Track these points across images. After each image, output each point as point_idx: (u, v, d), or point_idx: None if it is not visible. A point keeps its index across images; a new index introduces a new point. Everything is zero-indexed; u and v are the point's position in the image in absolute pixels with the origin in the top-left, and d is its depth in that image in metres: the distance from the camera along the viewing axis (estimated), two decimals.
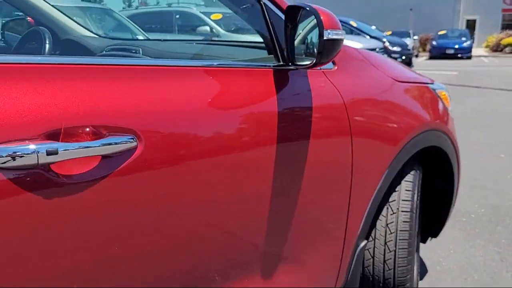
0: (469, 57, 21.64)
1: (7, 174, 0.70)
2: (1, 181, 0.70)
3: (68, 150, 0.75)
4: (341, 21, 2.99)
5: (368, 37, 10.79)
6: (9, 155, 0.70)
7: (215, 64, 1.15)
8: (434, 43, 22.65)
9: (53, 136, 0.75)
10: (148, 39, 3.22)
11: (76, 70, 0.85)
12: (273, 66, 1.22)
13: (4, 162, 0.70)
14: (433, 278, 2.23)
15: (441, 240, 2.58)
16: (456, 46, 21.76)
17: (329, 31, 1.05)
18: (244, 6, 1.25)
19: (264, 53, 1.32)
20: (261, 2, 1.20)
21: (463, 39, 22.55)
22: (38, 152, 0.72)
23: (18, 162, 0.71)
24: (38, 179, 0.73)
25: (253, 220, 1.15)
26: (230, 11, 1.45)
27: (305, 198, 1.26)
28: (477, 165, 3.99)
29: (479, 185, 3.50)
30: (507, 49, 24.87)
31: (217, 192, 1.02)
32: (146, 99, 0.90)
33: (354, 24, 11.39)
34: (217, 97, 1.05)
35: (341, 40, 1.09)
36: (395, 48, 12.16)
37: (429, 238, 2.18)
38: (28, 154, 0.71)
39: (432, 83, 1.94)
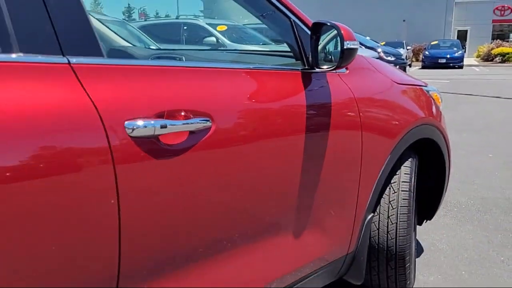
0: (461, 67, 22.16)
1: (135, 140, 1.01)
2: (130, 145, 1.01)
3: (172, 126, 1.07)
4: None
5: (363, 47, 11.19)
6: (135, 128, 1.01)
7: (257, 67, 1.47)
8: (426, 53, 23.19)
9: (161, 116, 1.07)
10: (185, 49, 3.54)
11: (170, 71, 1.17)
12: (301, 69, 1.54)
13: (132, 131, 1.01)
14: (428, 256, 2.55)
15: (435, 226, 2.91)
16: (448, 56, 22.29)
17: (348, 42, 1.38)
18: (278, 24, 1.57)
19: (283, 60, 1.65)
20: (291, 20, 1.53)
21: (455, 49, 23.11)
22: (154, 126, 1.04)
23: (142, 132, 1.02)
24: (152, 146, 1.05)
25: (292, 192, 1.47)
26: (233, 23, 1.78)
27: (326, 177, 1.58)
28: (468, 163, 4.33)
29: (469, 181, 3.83)
30: (497, 59, 25.47)
31: (264, 164, 1.34)
32: (216, 92, 1.23)
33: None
34: (261, 92, 1.38)
35: (357, 49, 1.42)
36: (390, 58, 12.58)
37: (425, 221, 2.50)
38: (148, 127, 1.03)
39: (425, 86, 2.28)
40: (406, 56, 17.47)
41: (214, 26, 7.38)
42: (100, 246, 0.98)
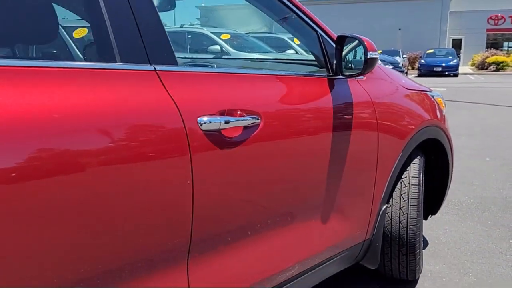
0: (456, 75, 22.55)
1: (204, 133, 1.24)
2: (201, 137, 1.23)
3: (232, 121, 1.30)
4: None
5: None
6: (205, 123, 1.24)
7: (291, 73, 1.71)
8: (422, 61, 23.58)
9: (222, 113, 1.30)
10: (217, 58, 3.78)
11: (227, 76, 1.40)
12: (327, 75, 1.78)
13: (202, 125, 1.24)
14: (433, 248, 2.77)
15: (439, 223, 3.14)
16: (444, 64, 22.68)
17: (370, 52, 1.62)
18: (306, 37, 1.81)
19: (306, 68, 1.88)
20: (318, 33, 1.77)
21: (450, 57, 23.52)
22: (220, 121, 1.26)
23: (209, 126, 1.25)
24: (216, 138, 1.27)
25: (321, 182, 1.70)
26: (235, 31, 2.02)
27: (349, 171, 1.81)
28: (467, 166, 4.58)
29: (468, 182, 4.07)
30: (491, 67, 25.90)
31: (301, 156, 1.57)
32: (263, 94, 1.46)
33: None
34: (297, 94, 1.62)
35: (377, 58, 1.66)
36: (387, 66, 12.86)
37: (430, 216, 2.72)
38: (215, 122, 1.25)
39: (430, 91, 2.52)
40: (402, 64, 17.81)
41: (217, 34, 7.70)
42: (179, 216, 1.20)
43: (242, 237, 1.42)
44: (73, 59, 1.22)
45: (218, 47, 7.28)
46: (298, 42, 8.04)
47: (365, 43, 1.63)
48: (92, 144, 1.02)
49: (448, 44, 32.67)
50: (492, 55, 27.24)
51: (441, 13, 31.95)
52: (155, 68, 1.19)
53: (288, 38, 8.78)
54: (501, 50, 31.91)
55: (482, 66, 26.92)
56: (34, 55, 1.64)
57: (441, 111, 2.49)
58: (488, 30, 33.57)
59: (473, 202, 3.59)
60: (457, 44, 33.32)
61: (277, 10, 1.70)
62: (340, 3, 32.27)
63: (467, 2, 32.96)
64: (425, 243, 2.82)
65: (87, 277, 1.04)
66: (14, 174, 0.88)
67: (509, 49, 33.89)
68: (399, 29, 31.31)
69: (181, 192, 1.19)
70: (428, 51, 24.83)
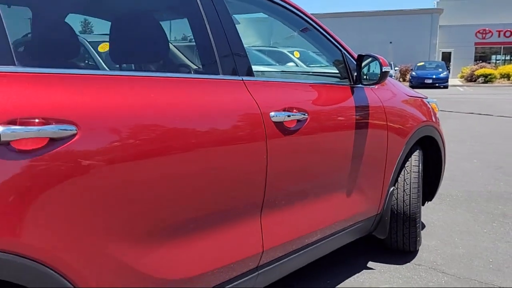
0: (446, 87, 23.33)
1: (274, 123, 1.77)
2: (272, 126, 1.76)
3: (291, 116, 1.83)
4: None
5: None
6: (275, 116, 1.77)
7: (325, 82, 2.27)
8: (413, 73, 24.37)
9: (284, 110, 1.83)
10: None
11: (287, 84, 1.96)
12: (349, 84, 2.33)
13: (272, 118, 1.77)
14: (429, 229, 3.31)
15: (433, 211, 3.68)
16: (434, 77, 23.47)
17: (384, 67, 2.18)
18: (333, 55, 2.37)
19: (329, 78, 2.43)
20: (343, 53, 2.33)
21: (440, 70, 24.34)
22: (284, 116, 1.80)
23: (277, 119, 1.78)
24: (281, 127, 1.80)
25: (347, 167, 2.24)
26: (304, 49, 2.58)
27: (367, 159, 2.35)
28: (457, 167, 5.15)
29: (458, 179, 4.64)
30: (480, 80, 26.79)
31: (336, 145, 2.12)
32: (308, 97, 2.01)
33: (265, 53, 13.00)
34: (332, 98, 2.17)
35: (389, 71, 2.22)
36: None
37: (427, 202, 3.27)
38: (281, 116, 1.79)
39: (426, 98, 3.08)
40: (394, 76, 18.52)
41: (292, 53, 8.67)
42: (258, 181, 1.73)
43: (296, 200, 1.96)
44: (191, 72, 1.74)
45: (293, 63, 8.15)
46: (298, 55, 8.92)
47: (380, 60, 2.20)
48: (211, 129, 1.55)
49: (438, 57, 33.66)
50: (481, 68, 28.15)
51: (431, 27, 32.98)
52: (242, 78, 1.74)
53: (288, 52, 9.58)
54: (489, 62, 32.94)
55: (470, 78, 27.79)
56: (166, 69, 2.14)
57: (435, 114, 3.05)
58: (476, 43, 34.64)
59: (462, 195, 4.15)
60: (446, 57, 34.32)
61: (315, 36, 2.26)
62: (333, 17, 33.16)
63: (456, 16, 34.07)
64: (423, 226, 3.36)
65: (206, 215, 1.57)
66: (157, 152, 1.39)
67: (497, 62, 34.95)
68: (390, 42, 32.24)
69: (260, 164, 1.72)
70: (418, 64, 25.66)
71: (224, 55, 1.70)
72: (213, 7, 1.71)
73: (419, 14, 33.24)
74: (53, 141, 1.15)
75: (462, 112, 11.34)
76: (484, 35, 34.34)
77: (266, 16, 2.22)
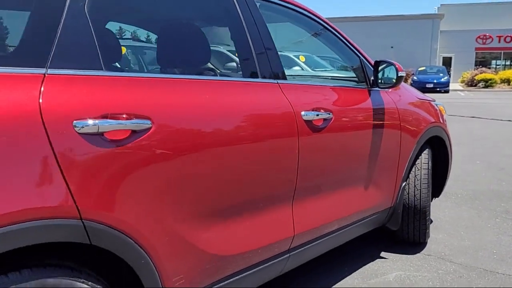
0: (447, 91, 23.56)
1: (304, 121, 2.00)
2: (302, 124, 1.99)
3: (319, 115, 2.06)
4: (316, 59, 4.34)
5: None
6: (306, 115, 2.00)
7: (346, 85, 2.50)
8: (415, 78, 24.59)
9: (313, 110, 2.06)
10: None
11: (314, 87, 2.19)
12: (366, 87, 2.56)
13: (303, 117, 2.00)
14: (437, 224, 3.53)
15: (439, 208, 3.90)
16: (435, 81, 23.70)
17: (400, 72, 2.40)
18: (352, 61, 2.60)
19: (347, 82, 2.67)
20: (361, 59, 2.56)
21: (441, 74, 24.57)
22: (314, 114, 2.03)
23: (307, 118, 2.01)
24: (310, 125, 2.03)
25: (365, 163, 2.46)
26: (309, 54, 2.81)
27: (382, 156, 2.57)
28: (461, 168, 5.37)
29: (462, 179, 4.86)
30: (480, 84, 27.02)
31: (357, 143, 2.35)
32: (331, 98, 2.24)
33: (294, 59, 13.19)
34: (352, 99, 2.39)
35: (404, 76, 2.44)
36: None
37: (434, 198, 3.49)
38: (311, 115, 2.02)
39: (434, 101, 3.31)
40: None
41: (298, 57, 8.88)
42: (291, 172, 1.96)
43: (321, 191, 2.18)
44: (240, 76, 1.98)
45: (299, 67, 8.33)
46: (304, 60, 9.19)
47: (396, 66, 2.43)
48: (255, 125, 1.78)
49: (439, 62, 33.89)
50: (481, 73, 28.38)
51: (432, 32, 33.23)
52: (277, 81, 1.97)
53: (294, 56, 9.83)
54: (489, 67, 33.18)
55: (471, 83, 28.01)
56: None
57: (442, 116, 3.28)
58: (476, 48, 34.88)
59: (467, 193, 4.37)
60: (447, 62, 34.55)
61: (337, 44, 2.50)
62: (335, 21, 33.25)
63: (456, 22, 34.35)
64: (430, 221, 3.57)
65: (250, 201, 1.79)
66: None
67: (497, 67, 35.19)
68: (392, 47, 32.48)
69: (293, 157, 1.95)
70: (420, 69, 25.90)
71: (262, 61, 1.92)
72: (252, 20, 1.94)
73: (420, 19, 33.50)
74: (134, 133, 1.38)
75: (464, 116, 11.57)
76: (484, 41, 34.59)
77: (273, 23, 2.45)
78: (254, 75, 1.91)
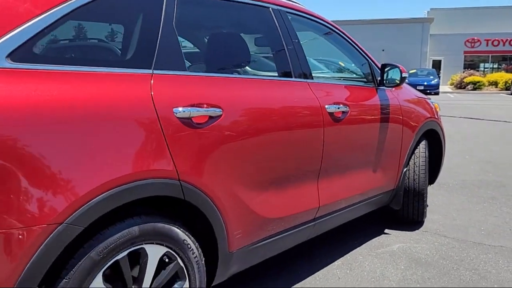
0: (437, 93, 24.22)
1: (328, 113, 2.46)
2: (327, 115, 2.45)
3: (339, 108, 2.52)
4: (332, 61, 4.74)
5: None
6: (330, 108, 2.46)
7: (358, 84, 2.96)
8: (406, 80, 25.19)
9: (335, 103, 2.52)
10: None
11: (337, 86, 2.65)
12: (374, 86, 3.03)
13: (327, 109, 2.46)
14: (432, 208, 4.01)
15: (434, 195, 4.38)
16: (426, 83, 24.34)
17: (403, 73, 2.88)
18: (361, 63, 3.07)
19: (359, 82, 3.14)
20: (369, 62, 3.03)
21: (431, 77, 25.24)
22: (334, 107, 2.49)
23: (331, 110, 2.46)
24: (332, 116, 2.48)
25: (373, 150, 2.92)
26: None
27: (388, 146, 3.04)
28: (452, 161, 5.87)
29: (453, 171, 5.36)
30: (469, 87, 27.80)
31: (367, 134, 2.80)
32: (347, 94, 2.70)
33: (342, 64, 13.62)
34: (362, 96, 2.86)
35: (407, 76, 2.91)
36: None
37: (429, 185, 3.96)
38: (333, 107, 2.48)
39: (429, 99, 3.79)
40: None
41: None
42: (317, 155, 2.41)
43: (340, 171, 2.64)
44: (278, 76, 2.41)
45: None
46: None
47: (400, 68, 2.91)
48: (294, 115, 2.23)
49: (429, 65, 34.65)
50: (470, 75, 29.19)
51: (422, 36, 33.98)
52: (307, 81, 2.42)
53: (259, 54, 10.57)
54: (478, 70, 34.06)
55: (460, 86, 28.80)
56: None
57: (437, 112, 3.76)
58: (465, 52, 35.72)
59: (457, 183, 4.87)
60: (436, 65, 35.32)
61: (351, 50, 2.96)
62: None
63: (445, 26, 35.17)
64: (426, 205, 4.05)
65: (289, 176, 2.25)
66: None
67: (485, 69, 36.06)
68: (383, 50, 33.14)
69: (320, 142, 2.41)
70: (410, 71, 26.53)
71: (294, 64, 2.38)
72: (286, 31, 2.39)
73: (411, 23, 34.24)
74: (210, 118, 1.82)
75: (454, 116, 12.13)
76: (473, 44, 35.43)
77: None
78: (288, 75, 2.36)
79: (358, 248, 3.12)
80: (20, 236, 1.29)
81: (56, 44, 1.64)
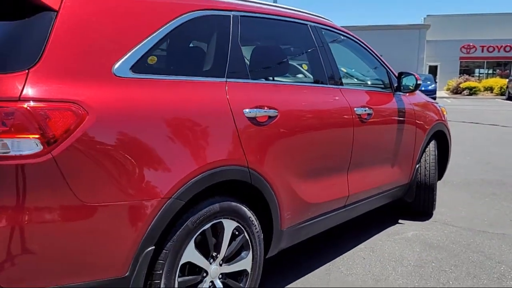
0: (434, 98, 24.59)
1: (357, 114, 2.86)
2: (356, 115, 2.85)
3: (365, 110, 2.93)
4: (356, 69, 5.25)
5: None
6: (358, 110, 2.86)
7: (377, 90, 3.37)
8: None
9: (362, 106, 2.93)
10: None
11: (353, 91, 3.07)
12: (391, 91, 3.44)
13: (356, 111, 2.86)
14: (439, 202, 4.40)
15: (439, 192, 4.77)
16: (423, 89, 24.71)
17: (418, 80, 3.29)
18: (380, 71, 3.48)
19: (378, 87, 3.55)
20: (387, 70, 3.44)
21: (428, 82, 25.69)
22: (362, 110, 2.89)
23: (359, 112, 2.87)
24: (362, 118, 2.89)
25: (389, 149, 3.33)
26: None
27: (403, 145, 3.45)
28: (454, 162, 6.26)
29: (455, 171, 5.78)
30: (465, 92, 28.33)
31: (380, 135, 3.21)
32: (370, 98, 3.11)
33: (344, 70, 14.08)
34: (380, 100, 3.27)
35: (421, 83, 3.33)
36: None
37: (438, 180, 4.37)
38: (361, 110, 2.88)
39: (437, 103, 4.21)
40: None
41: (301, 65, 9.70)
42: (348, 150, 2.81)
43: (365, 166, 3.04)
44: (315, 83, 2.82)
45: (301, 74, 9.12)
46: (306, 68, 10.23)
47: (416, 76, 3.32)
48: (330, 116, 2.64)
49: (425, 70, 35.20)
50: (465, 81, 29.72)
51: (418, 42, 34.56)
52: (339, 87, 2.83)
53: (297, 65, 10.86)
54: (473, 76, 34.65)
55: (456, 91, 29.32)
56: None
57: (444, 115, 4.18)
58: (461, 58, 36.33)
59: (461, 181, 5.28)
60: (433, 70, 35.86)
61: (371, 59, 3.38)
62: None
63: (441, 32, 35.78)
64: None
65: (327, 168, 2.64)
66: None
67: (480, 75, 36.67)
68: (381, 56, 33.67)
69: (350, 139, 2.81)
70: None
71: (328, 72, 2.79)
72: (322, 44, 2.80)
73: (408, 29, 34.82)
74: (269, 118, 2.22)
75: (453, 120, 12.53)
76: (468, 50, 36.06)
77: None
78: (324, 82, 2.77)
79: (377, 235, 3.51)
80: (145, 206, 1.68)
81: (160, 58, 2.04)
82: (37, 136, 1.46)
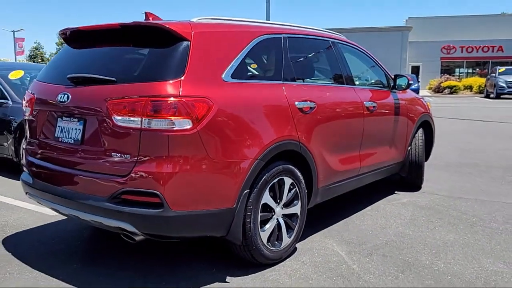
0: None
1: (365, 107, 3.85)
2: (364, 108, 3.84)
3: (372, 104, 3.93)
4: (361, 72, 6.31)
5: None
6: (366, 103, 3.86)
7: (378, 88, 4.39)
8: None
9: (369, 100, 3.93)
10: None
11: (362, 89, 4.08)
12: (389, 89, 4.45)
13: (365, 104, 3.86)
14: (426, 179, 5.43)
15: (426, 173, 5.83)
16: None
17: (410, 81, 4.32)
18: (378, 73, 4.50)
19: (378, 86, 4.57)
20: (385, 73, 4.46)
21: (412, 82, 27.03)
22: (369, 103, 3.89)
23: (366, 104, 3.87)
24: (368, 109, 3.89)
25: (388, 134, 4.34)
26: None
27: (399, 131, 4.47)
28: (437, 150, 7.33)
29: (438, 156, 6.84)
30: (446, 91, 29.71)
31: (382, 123, 4.22)
32: (374, 95, 4.12)
33: (369, 74, 15.15)
34: (381, 96, 4.28)
35: (412, 84, 4.34)
36: None
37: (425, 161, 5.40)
38: (368, 103, 3.88)
39: (423, 98, 5.24)
40: None
41: None
42: (360, 133, 3.81)
43: (372, 145, 4.04)
44: (335, 83, 3.82)
45: None
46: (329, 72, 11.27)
47: (408, 77, 4.35)
48: (349, 109, 3.64)
49: (408, 70, 36.56)
50: (446, 80, 31.11)
51: (401, 43, 35.92)
52: (353, 86, 3.82)
53: (323, 69, 12.01)
54: (454, 75, 36.19)
55: (438, 90, 30.67)
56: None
57: (429, 108, 5.22)
58: (442, 58, 37.84)
59: (443, 164, 6.34)
60: (415, 70, 37.28)
61: (373, 64, 4.39)
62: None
63: (423, 33, 37.25)
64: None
65: (346, 145, 3.65)
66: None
67: (460, 74, 38.26)
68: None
69: (361, 126, 3.81)
70: None
71: (345, 75, 3.78)
72: (340, 54, 3.80)
73: (391, 31, 36.18)
74: (311, 108, 3.20)
75: (436, 116, 13.65)
76: (448, 51, 37.58)
77: None
78: (342, 83, 3.76)
79: (379, 201, 4.52)
80: (243, 163, 2.64)
81: (244, 69, 3.00)
82: (189, 117, 2.42)
